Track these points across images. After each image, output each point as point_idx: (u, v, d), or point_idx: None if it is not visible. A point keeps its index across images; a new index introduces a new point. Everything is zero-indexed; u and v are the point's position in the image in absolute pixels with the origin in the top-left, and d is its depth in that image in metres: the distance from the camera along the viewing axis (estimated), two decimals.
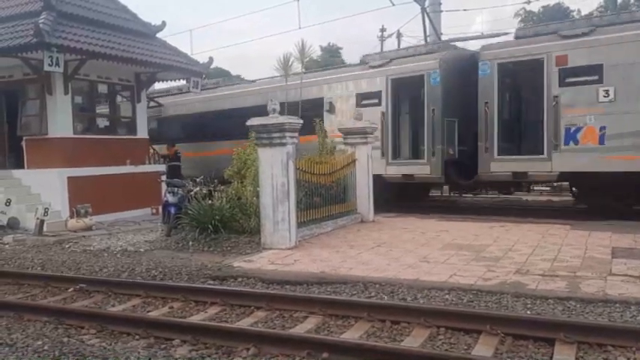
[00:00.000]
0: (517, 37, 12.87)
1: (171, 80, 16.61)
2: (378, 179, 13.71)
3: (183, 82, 16.72)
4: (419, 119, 13.90)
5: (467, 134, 13.22)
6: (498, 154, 12.50)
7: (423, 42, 18.21)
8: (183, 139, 18.14)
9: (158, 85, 19.76)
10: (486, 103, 12.48)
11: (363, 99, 14.38)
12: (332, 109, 14.98)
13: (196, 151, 17.45)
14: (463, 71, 13.36)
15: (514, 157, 12.61)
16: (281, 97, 14.94)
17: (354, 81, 14.75)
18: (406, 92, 14.47)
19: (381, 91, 14.05)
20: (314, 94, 15.33)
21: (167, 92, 20.59)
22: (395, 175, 14.00)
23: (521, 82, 13.48)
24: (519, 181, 13.49)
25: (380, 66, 14.27)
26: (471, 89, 12.94)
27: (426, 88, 13.28)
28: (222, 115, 17.15)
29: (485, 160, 12.57)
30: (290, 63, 14.38)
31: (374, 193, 13.92)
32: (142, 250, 9.15)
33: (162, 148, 17.09)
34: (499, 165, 12.45)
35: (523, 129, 13.63)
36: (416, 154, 14.34)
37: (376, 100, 14.11)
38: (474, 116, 12.82)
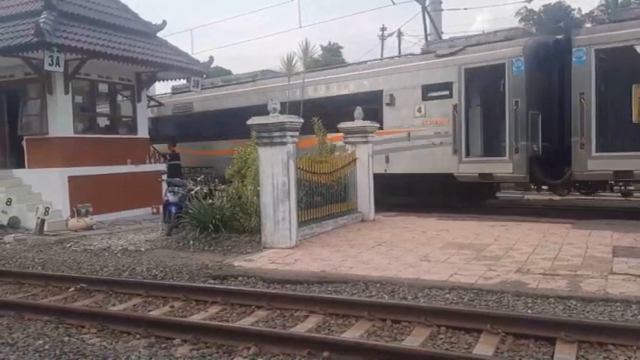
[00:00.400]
0: (613, 21, 11.95)
1: (171, 80, 16.60)
2: (447, 179, 13.11)
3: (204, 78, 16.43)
4: (497, 112, 12.67)
5: (551, 128, 12.23)
6: (597, 151, 11.33)
7: (423, 41, 18.17)
8: (218, 135, 17.19)
9: (159, 85, 19.77)
10: (582, 94, 11.37)
11: (430, 91, 13.35)
12: (393, 102, 13.94)
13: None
14: (549, 59, 12.39)
15: (616, 153, 11.29)
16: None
17: (419, 72, 13.66)
18: (481, 83, 13.22)
19: (452, 82, 12.98)
20: (370, 86, 14.43)
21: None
22: (470, 174, 12.83)
23: (624, 69, 11.67)
24: (621, 181, 12.22)
25: (450, 55, 13.15)
26: (557, 78, 12.15)
27: (507, 77, 12.18)
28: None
29: (581, 157, 11.46)
30: (294, 62, 14.33)
31: (442, 194, 13.31)
32: (142, 249, 9.15)
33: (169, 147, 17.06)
34: (598, 163, 11.31)
35: (627, 123, 11.86)
36: (495, 150, 12.81)
37: (446, 92, 13.07)
38: (560, 108, 11.98)
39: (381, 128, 13.56)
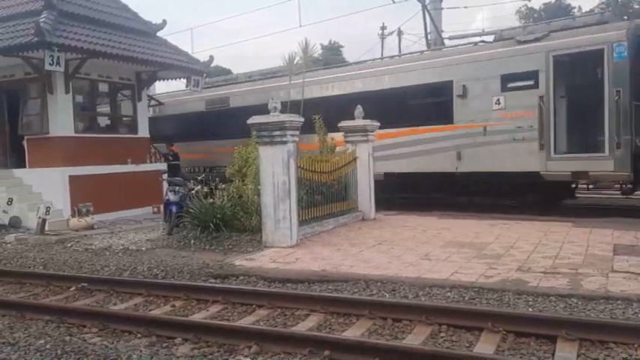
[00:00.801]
0: None
1: (171, 79, 16.59)
2: (530, 177, 11.98)
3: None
4: (592, 103, 11.43)
5: None
6: None
7: (423, 39, 18.13)
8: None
9: (159, 85, 19.65)
10: None
11: (511, 81, 12.14)
12: (465, 94, 12.69)
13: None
14: None
15: None
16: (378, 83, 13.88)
17: (497, 60, 12.39)
18: (571, 71, 12.01)
19: (537, 71, 11.72)
20: (436, 77, 13.20)
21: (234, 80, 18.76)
22: (560, 173, 11.59)
23: None
24: None
25: (535, 40, 11.95)
26: None
27: (606, 65, 10.99)
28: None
29: None
30: (295, 61, 14.27)
31: (521, 194, 12.56)
32: (143, 248, 9.16)
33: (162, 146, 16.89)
34: None
35: None
36: (591, 146, 11.59)
37: (530, 82, 11.85)
38: None
39: (449, 122, 12.91)
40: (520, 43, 12.24)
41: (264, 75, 18.07)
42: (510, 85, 12.17)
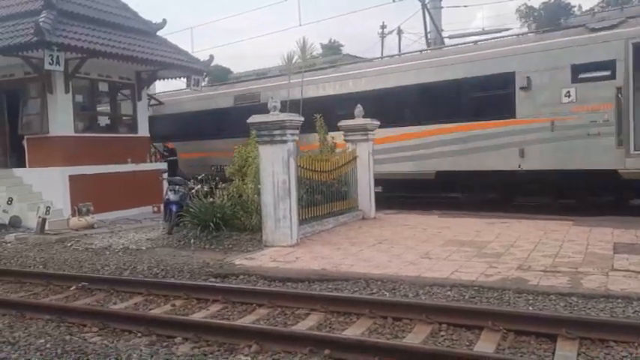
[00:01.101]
0: None
1: (171, 78, 16.57)
2: (606, 176, 11.15)
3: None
4: None
5: None
6: None
7: (423, 38, 18.14)
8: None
9: (159, 84, 19.63)
10: None
11: (583, 71, 11.25)
12: (530, 86, 11.79)
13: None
14: None
15: None
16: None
17: (566, 49, 11.48)
18: None
19: (614, 60, 10.87)
20: (497, 68, 12.30)
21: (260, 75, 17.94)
22: None
23: None
24: None
25: (611, 28, 11.05)
26: None
27: None
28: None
29: None
30: (294, 60, 14.26)
31: (590, 194, 11.84)
32: (143, 248, 9.16)
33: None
34: None
35: None
36: None
37: (606, 73, 10.99)
38: None
39: (511, 117, 12.18)
40: (593, 30, 11.37)
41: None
42: (582, 75, 11.31)
